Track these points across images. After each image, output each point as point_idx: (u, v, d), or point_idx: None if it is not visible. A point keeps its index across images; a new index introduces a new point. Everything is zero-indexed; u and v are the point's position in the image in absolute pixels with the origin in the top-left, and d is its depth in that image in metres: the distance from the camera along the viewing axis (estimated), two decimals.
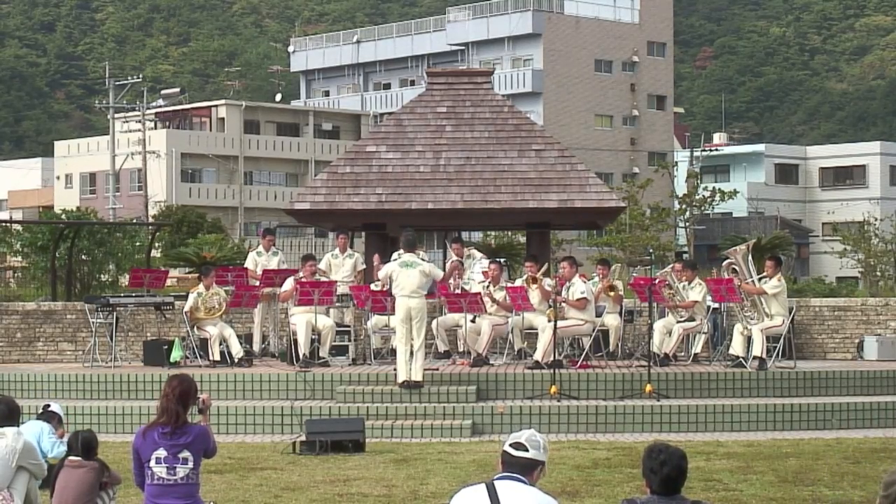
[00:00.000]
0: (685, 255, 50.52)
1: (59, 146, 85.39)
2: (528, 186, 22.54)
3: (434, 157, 23.11)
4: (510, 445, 6.70)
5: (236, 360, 20.01)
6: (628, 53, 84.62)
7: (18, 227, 40.07)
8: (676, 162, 74.35)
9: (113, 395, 18.90)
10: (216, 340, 20.23)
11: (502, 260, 24.55)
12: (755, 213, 79.38)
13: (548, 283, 19.97)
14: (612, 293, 20.52)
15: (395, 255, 19.35)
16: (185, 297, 21.34)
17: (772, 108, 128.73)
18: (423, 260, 18.48)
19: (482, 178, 22.74)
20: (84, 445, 10.18)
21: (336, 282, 20.65)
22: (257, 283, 21.34)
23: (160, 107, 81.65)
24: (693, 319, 20.36)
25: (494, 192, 22.55)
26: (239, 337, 20.55)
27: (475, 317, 19.93)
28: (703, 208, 67.72)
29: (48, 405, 12.41)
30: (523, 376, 18.62)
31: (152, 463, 8.85)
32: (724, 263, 20.52)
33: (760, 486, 13.30)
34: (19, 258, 39.87)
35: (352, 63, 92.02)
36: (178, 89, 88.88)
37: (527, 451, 6.66)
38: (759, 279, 19.72)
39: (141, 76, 75.68)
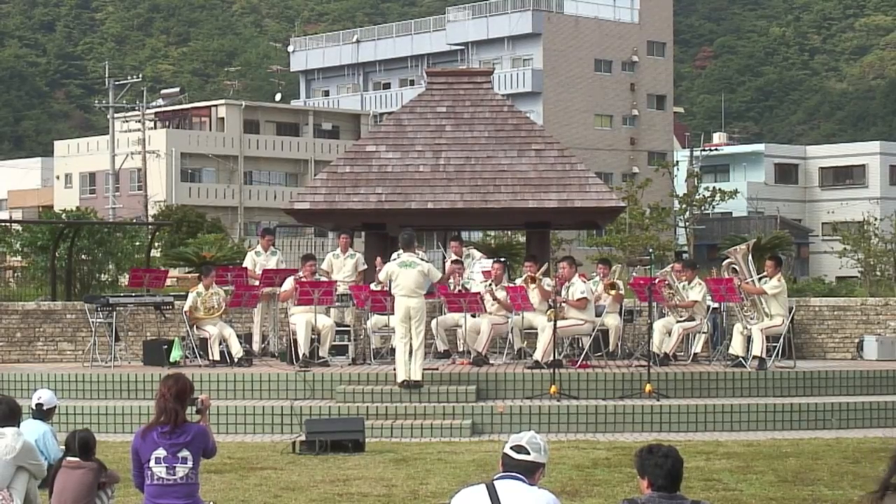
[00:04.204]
0: (685, 255, 50.52)
1: (59, 146, 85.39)
2: (528, 186, 22.54)
3: (434, 156, 23.11)
4: (511, 448, 6.70)
5: (236, 360, 20.01)
6: (628, 53, 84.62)
7: (18, 226, 40.08)
8: (676, 161, 74.34)
9: (113, 395, 18.90)
10: (216, 340, 20.23)
11: (503, 259, 24.53)
12: (755, 212, 79.40)
13: (547, 282, 19.96)
14: (612, 291, 20.51)
15: (394, 255, 19.36)
16: (185, 297, 21.34)
17: (771, 108, 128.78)
18: (422, 260, 18.48)
19: (482, 177, 22.74)
20: (82, 445, 10.16)
21: (336, 281, 20.65)
22: (257, 283, 21.33)
23: (160, 106, 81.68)
24: (693, 319, 20.35)
25: (494, 191, 22.56)
26: (238, 337, 20.54)
27: (475, 314, 19.94)
28: (702, 208, 67.74)
29: (40, 403, 12.24)
30: (523, 376, 18.62)
31: (152, 463, 8.85)
32: (724, 263, 20.51)
33: (760, 485, 13.29)
34: (19, 258, 39.88)
35: (351, 63, 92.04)
36: (177, 89, 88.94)
37: (528, 453, 6.67)
38: (759, 279, 19.72)
39: (141, 76, 75.66)
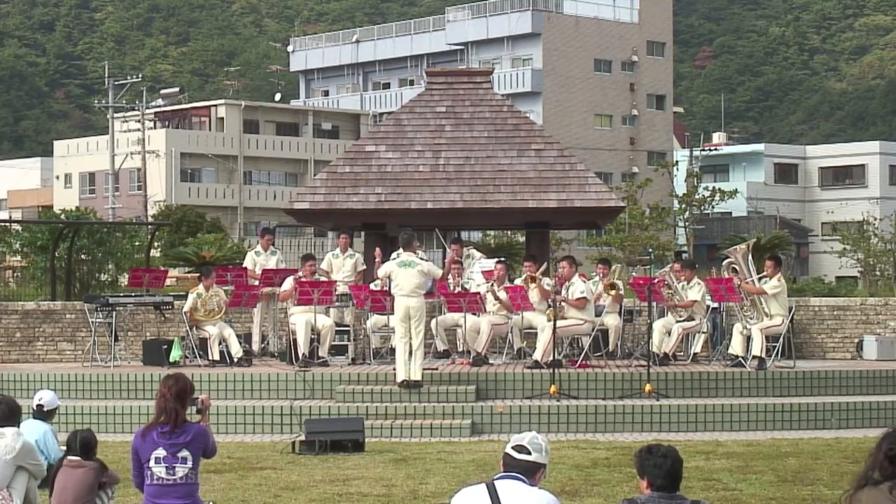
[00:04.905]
0: (685, 255, 50.53)
1: (59, 146, 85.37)
2: (528, 186, 22.54)
3: (433, 156, 23.11)
4: (512, 448, 6.69)
5: (235, 360, 20.01)
6: (628, 53, 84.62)
7: (18, 226, 40.07)
8: (676, 161, 74.36)
9: (112, 395, 18.90)
10: (216, 340, 20.22)
11: (505, 259, 24.54)
12: (755, 212, 79.39)
13: (547, 282, 19.97)
14: (612, 292, 20.51)
15: (394, 255, 19.35)
16: (185, 297, 21.34)
17: (771, 108, 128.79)
18: (421, 259, 18.47)
19: (481, 177, 22.75)
20: (83, 445, 10.17)
21: (335, 281, 20.65)
22: (257, 283, 21.33)
23: (159, 106, 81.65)
24: (692, 319, 20.34)
25: (494, 191, 22.56)
26: (238, 336, 20.54)
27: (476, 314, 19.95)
28: (702, 208, 67.74)
29: (41, 405, 12.32)
30: (523, 376, 18.62)
31: (151, 463, 8.85)
32: (725, 263, 20.51)
33: (760, 485, 13.29)
34: (19, 258, 39.88)
35: (351, 63, 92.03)
36: (177, 89, 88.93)
37: (529, 454, 6.66)
38: (759, 279, 19.72)
39: (140, 76, 75.65)
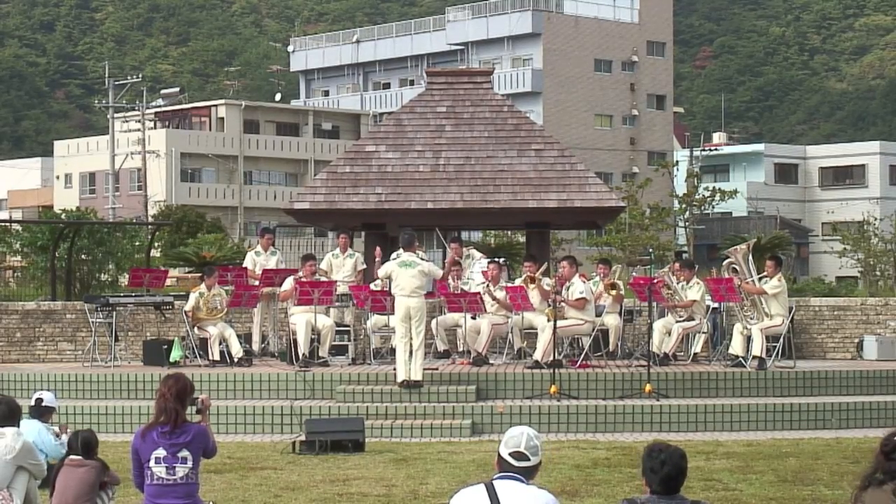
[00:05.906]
0: (685, 255, 50.51)
1: (59, 146, 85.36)
2: (528, 186, 22.55)
3: (434, 156, 23.12)
4: (510, 455, 6.65)
5: (236, 360, 20.01)
6: (628, 53, 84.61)
7: (18, 226, 40.08)
8: (676, 161, 74.31)
9: (113, 395, 18.90)
10: (216, 340, 20.23)
11: (502, 259, 24.54)
12: (755, 212, 79.37)
13: (546, 282, 19.97)
14: (613, 292, 20.51)
15: (394, 255, 19.36)
16: (185, 297, 21.34)
17: (771, 108, 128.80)
18: (422, 259, 18.48)
19: (482, 177, 22.75)
20: (84, 445, 10.19)
21: (336, 281, 20.65)
22: (257, 283, 21.33)
23: (160, 106, 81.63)
24: (692, 319, 20.34)
25: (494, 191, 22.57)
26: (238, 337, 20.54)
27: (475, 315, 19.94)
28: (702, 208, 67.73)
29: (41, 399, 12.40)
30: (523, 376, 18.62)
31: (152, 463, 8.85)
32: (725, 263, 20.52)
33: (760, 485, 13.29)
34: (19, 258, 39.90)
35: (351, 63, 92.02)
36: (177, 89, 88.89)
37: (528, 459, 6.66)
38: (759, 279, 19.72)
39: (140, 76, 75.60)
